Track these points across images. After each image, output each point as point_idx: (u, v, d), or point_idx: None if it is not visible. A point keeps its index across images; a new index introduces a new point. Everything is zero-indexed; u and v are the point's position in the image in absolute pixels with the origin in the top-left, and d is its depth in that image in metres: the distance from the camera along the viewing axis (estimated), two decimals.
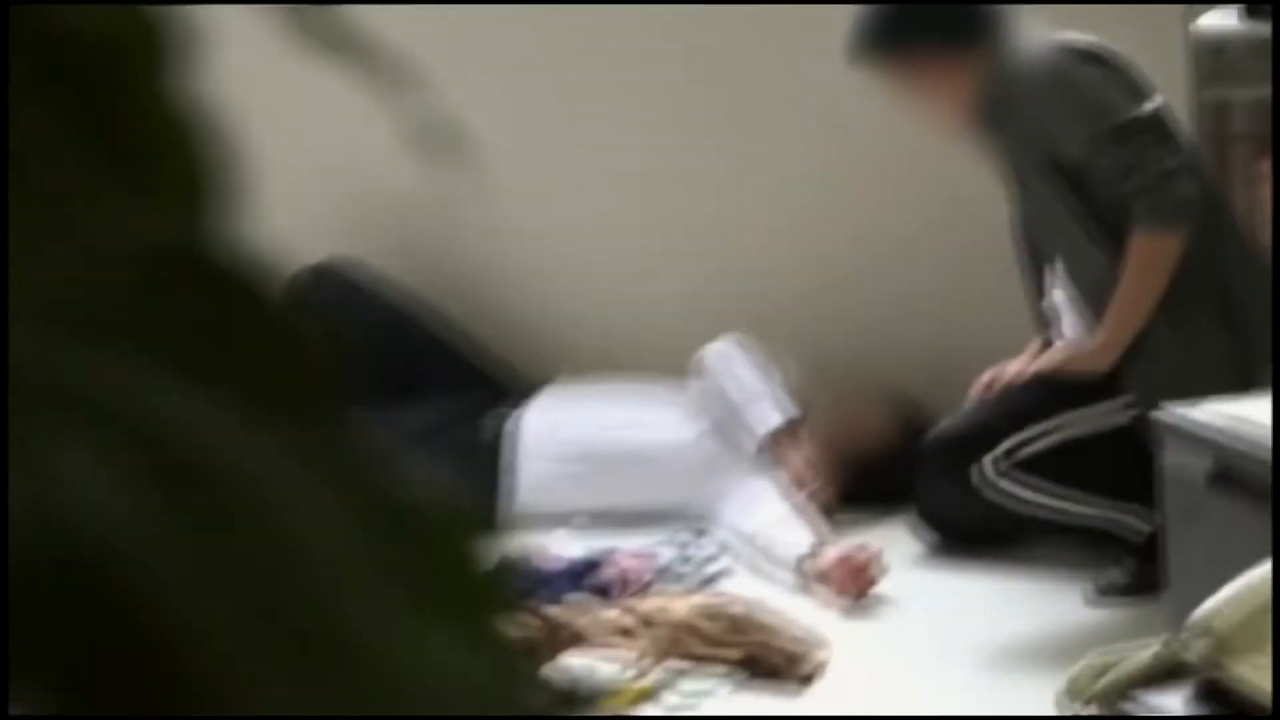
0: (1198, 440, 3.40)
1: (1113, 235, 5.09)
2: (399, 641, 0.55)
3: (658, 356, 5.85)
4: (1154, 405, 4.61)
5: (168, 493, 0.54)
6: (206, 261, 0.59)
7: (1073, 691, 2.57)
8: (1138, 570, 5.01)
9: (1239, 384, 4.85)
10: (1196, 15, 5.59)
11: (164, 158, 0.61)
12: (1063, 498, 5.21)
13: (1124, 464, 5.07)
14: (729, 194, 6.11)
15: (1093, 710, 2.60)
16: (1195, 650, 2.44)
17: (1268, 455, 3.16)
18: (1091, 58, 5.15)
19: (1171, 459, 3.53)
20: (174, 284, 0.59)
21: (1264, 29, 5.57)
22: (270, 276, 0.56)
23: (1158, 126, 5.06)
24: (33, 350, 0.50)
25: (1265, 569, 2.54)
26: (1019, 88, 5.15)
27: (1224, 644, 2.41)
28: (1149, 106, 5.08)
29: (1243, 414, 3.37)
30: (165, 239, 0.58)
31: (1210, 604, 2.47)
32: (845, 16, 5.26)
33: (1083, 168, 5.08)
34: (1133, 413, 5.05)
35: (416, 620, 0.55)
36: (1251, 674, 2.36)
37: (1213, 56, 5.57)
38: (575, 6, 5.94)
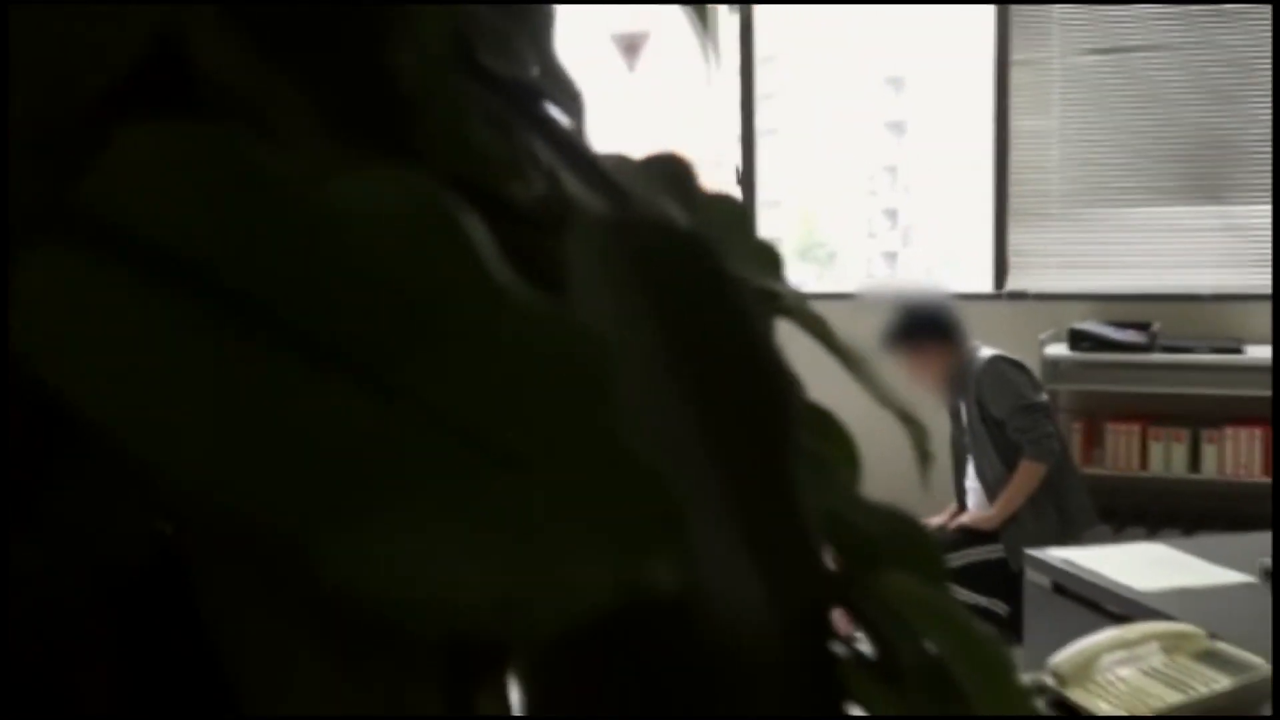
0: (1045, 568, 3.42)
1: (1008, 459, 5.24)
2: None
3: None
4: (1014, 551, 4.98)
5: None
6: None
7: None
8: (1001, 633, 5.35)
9: (1062, 540, 5.19)
10: (1045, 347, 5.74)
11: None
12: (964, 591, 5.48)
13: (995, 576, 5.30)
14: None
15: None
16: (1048, 680, 2.38)
17: (1084, 580, 3.22)
18: (1018, 366, 5.32)
19: (1031, 577, 3.52)
20: None
21: (1079, 355, 5.71)
22: None
23: (1046, 408, 5.26)
24: None
25: (1085, 639, 2.44)
26: (973, 373, 5.30)
27: (1063, 679, 2.36)
28: (1043, 397, 5.31)
29: (1069, 557, 3.39)
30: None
31: (1056, 657, 2.41)
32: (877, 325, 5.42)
33: (1000, 422, 5.23)
34: (1001, 553, 5.42)
35: None
36: (1080, 696, 2.32)
37: (1052, 368, 5.73)
38: None
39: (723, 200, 0.58)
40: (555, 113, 0.45)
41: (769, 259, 0.58)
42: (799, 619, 0.34)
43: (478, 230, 0.28)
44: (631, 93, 7.42)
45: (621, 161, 0.52)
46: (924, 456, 0.57)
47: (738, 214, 0.58)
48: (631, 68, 7.09)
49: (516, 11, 0.45)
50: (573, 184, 0.38)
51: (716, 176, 6.84)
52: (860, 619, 0.39)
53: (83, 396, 0.24)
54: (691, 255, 0.37)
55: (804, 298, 0.56)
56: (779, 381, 0.37)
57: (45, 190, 0.25)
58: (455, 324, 0.28)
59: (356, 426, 0.27)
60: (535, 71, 0.46)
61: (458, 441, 0.27)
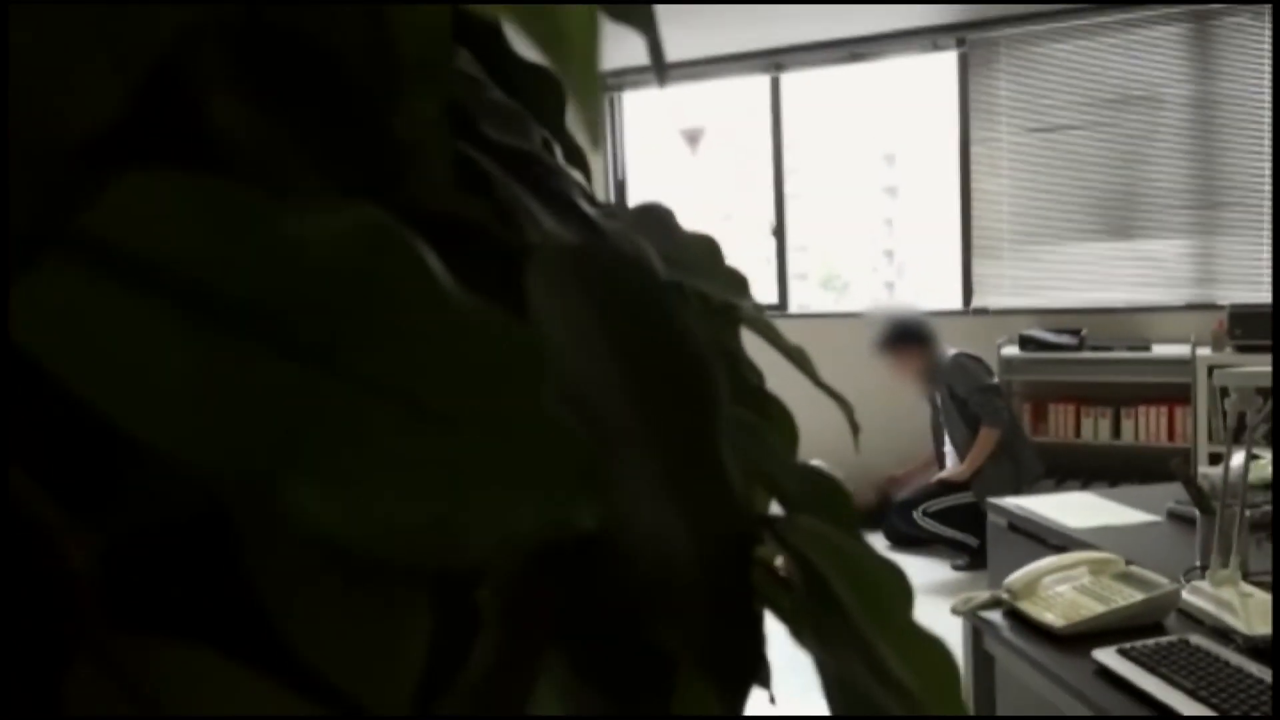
0: (1003, 512, 3.28)
1: (972, 427, 5.16)
2: None
3: None
4: (981, 496, 4.87)
5: None
6: None
7: (955, 609, 2.45)
8: (971, 560, 5.19)
9: (1017, 490, 5.11)
10: (1001, 349, 5.57)
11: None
12: (945, 528, 5.40)
13: (968, 517, 5.27)
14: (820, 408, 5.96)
15: (962, 616, 2.43)
16: (1004, 595, 2.36)
17: (1032, 520, 3.08)
18: (975, 359, 5.28)
19: (992, 518, 3.39)
20: None
21: (1027, 354, 5.52)
22: None
23: (997, 389, 5.20)
24: None
25: (1031, 564, 2.40)
26: (944, 367, 5.27)
27: (1015, 594, 2.34)
28: (995, 380, 5.27)
29: (1020, 503, 3.28)
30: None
31: (1010, 577, 2.39)
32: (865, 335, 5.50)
33: (964, 400, 5.21)
34: (972, 498, 5.33)
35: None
36: (1028, 607, 2.28)
37: (1007, 364, 5.54)
38: None
39: (701, 238, 0.55)
40: (557, 171, 0.43)
41: (737, 282, 0.55)
42: (717, 550, 0.31)
43: (426, 251, 0.26)
44: (694, 171, 7.40)
45: (617, 208, 0.50)
46: (854, 427, 0.54)
47: (712, 248, 0.55)
48: (693, 153, 7.07)
49: (524, 96, 0.43)
50: (549, 223, 0.36)
51: (757, 229, 6.80)
52: (784, 553, 0.36)
53: (91, 391, 0.22)
54: (638, 274, 0.35)
55: (761, 310, 0.53)
56: (706, 370, 0.34)
57: (40, 219, 0.23)
58: (400, 320, 0.26)
59: (315, 401, 0.25)
60: (541, 140, 0.44)
61: (398, 409, 0.25)
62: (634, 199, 0.54)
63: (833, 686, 0.32)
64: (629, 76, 6.75)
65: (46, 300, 0.23)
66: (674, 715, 0.30)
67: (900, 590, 0.38)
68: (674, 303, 0.34)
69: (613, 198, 6.46)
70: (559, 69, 0.26)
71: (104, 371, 0.22)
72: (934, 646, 0.34)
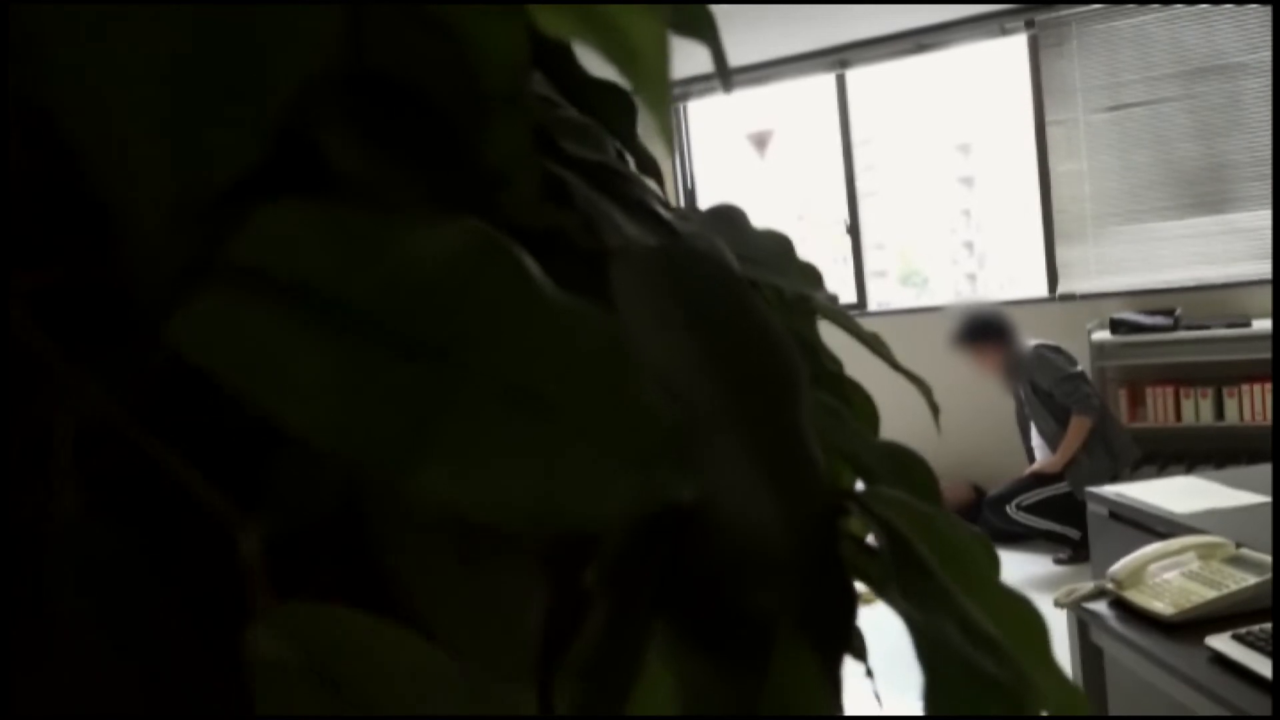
0: (1103, 500, 3.19)
1: (1059, 419, 5.07)
2: None
3: None
4: (1078, 486, 4.76)
5: None
6: None
7: (1058, 601, 2.44)
8: (1073, 553, 5.06)
9: (1114, 477, 4.99)
10: (1092, 334, 5.44)
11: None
12: (1041, 520, 5.27)
13: (1066, 508, 5.15)
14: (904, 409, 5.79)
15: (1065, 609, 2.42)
16: (1109, 585, 2.34)
17: (1134, 507, 2.98)
18: (1055, 349, 5.16)
19: (1092, 508, 3.28)
20: None
21: (1119, 338, 5.39)
22: None
23: (1082, 375, 5.08)
24: None
25: (1136, 551, 2.38)
26: (1025, 361, 5.20)
27: (1120, 584, 2.31)
28: (1078, 369, 5.17)
29: (1120, 490, 3.16)
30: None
31: (1114, 567, 2.36)
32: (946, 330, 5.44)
33: (1049, 392, 5.13)
34: (1067, 488, 5.22)
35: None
36: (1135, 597, 2.26)
37: (1098, 350, 5.41)
38: None
39: (772, 234, 0.58)
40: (633, 180, 0.46)
41: (811, 275, 0.57)
42: (805, 519, 0.34)
43: (525, 257, 0.29)
44: (764, 174, 7.39)
45: (690, 211, 0.53)
46: (934, 409, 0.56)
47: (784, 244, 0.57)
48: (762, 156, 7.07)
49: (595, 111, 0.46)
50: (630, 229, 0.39)
51: (832, 229, 6.77)
52: (868, 522, 0.38)
53: (252, 396, 0.26)
54: (715, 270, 0.38)
55: (836, 300, 0.55)
56: (786, 354, 0.37)
57: (188, 252, 0.27)
58: (505, 319, 0.29)
59: (434, 395, 0.28)
60: (615, 152, 0.47)
61: (508, 399, 0.28)
62: (704, 206, 0.56)
63: (924, 644, 0.34)
64: (694, 85, 6.78)
65: (212, 320, 0.27)
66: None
67: (986, 555, 0.39)
68: (751, 294, 0.37)
69: (683, 206, 6.47)
70: (632, 84, 0.29)
71: (262, 378, 0.26)
72: (1021, 604, 0.36)
